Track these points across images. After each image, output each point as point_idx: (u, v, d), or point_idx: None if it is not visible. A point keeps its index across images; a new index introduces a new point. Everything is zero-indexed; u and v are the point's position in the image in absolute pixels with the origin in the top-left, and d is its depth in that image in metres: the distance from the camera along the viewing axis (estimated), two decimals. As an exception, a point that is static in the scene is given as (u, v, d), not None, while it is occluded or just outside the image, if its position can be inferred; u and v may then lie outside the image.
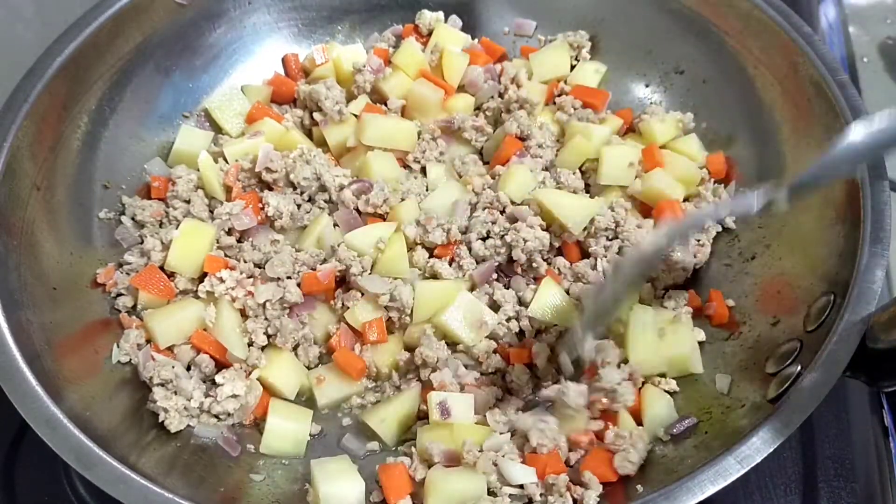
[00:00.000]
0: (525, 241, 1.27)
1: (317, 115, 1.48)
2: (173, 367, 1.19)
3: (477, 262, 1.32)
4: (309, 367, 1.27)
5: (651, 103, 1.55)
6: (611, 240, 1.34)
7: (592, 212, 1.31)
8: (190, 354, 1.23)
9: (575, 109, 1.51)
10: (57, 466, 1.20)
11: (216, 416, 1.19)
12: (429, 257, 1.32)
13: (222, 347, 1.22)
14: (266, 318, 1.24)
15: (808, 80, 1.25)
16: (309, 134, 1.54)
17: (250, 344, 1.23)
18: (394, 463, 1.12)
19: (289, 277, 1.27)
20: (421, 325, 1.24)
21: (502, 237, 1.30)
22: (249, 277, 1.27)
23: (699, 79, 1.49)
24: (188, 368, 1.23)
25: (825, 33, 1.86)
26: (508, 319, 1.27)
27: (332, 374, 1.25)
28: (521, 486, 1.06)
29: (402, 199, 1.37)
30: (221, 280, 1.24)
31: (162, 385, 1.18)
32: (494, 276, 1.32)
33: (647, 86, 1.57)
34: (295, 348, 1.27)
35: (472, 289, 1.31)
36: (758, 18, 1.33)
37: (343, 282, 1.30)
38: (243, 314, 1.25)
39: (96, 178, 1.35)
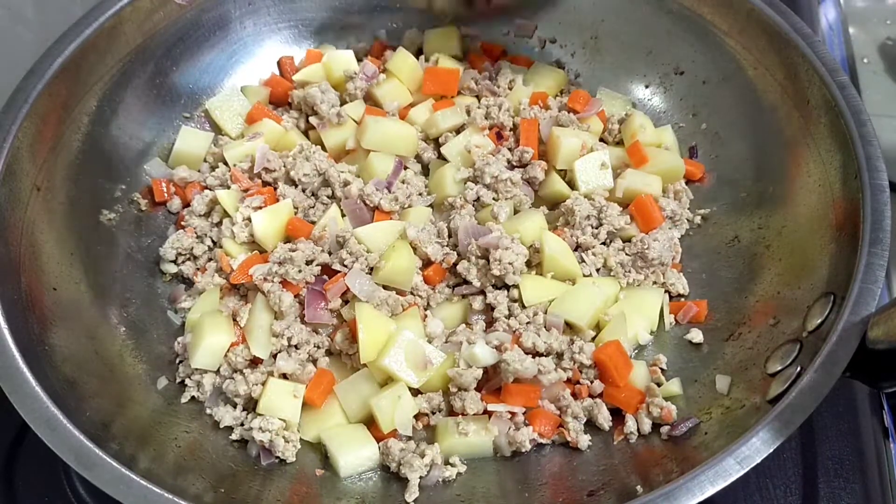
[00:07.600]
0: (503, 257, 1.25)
1: (313, 119, 1.48)
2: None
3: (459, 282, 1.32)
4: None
5: (650, 102, 1.55)
6: (597, 227, 1.35)
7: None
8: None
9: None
10: (57, 466, 1.19)
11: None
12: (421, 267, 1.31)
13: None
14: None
15: (807, 81, 1.25)
16: (306, 136, 1.53)
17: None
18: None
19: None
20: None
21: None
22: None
23: (699, 79, 1.49)
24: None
25: (825, 34, 1.86)
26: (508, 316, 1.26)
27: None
28: None
29: (410, 206, 1.37)
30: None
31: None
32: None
33: (646, 86, 1.57)
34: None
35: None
36: (758, 19, 1.33)
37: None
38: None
39: (96, 179, 1.35)
